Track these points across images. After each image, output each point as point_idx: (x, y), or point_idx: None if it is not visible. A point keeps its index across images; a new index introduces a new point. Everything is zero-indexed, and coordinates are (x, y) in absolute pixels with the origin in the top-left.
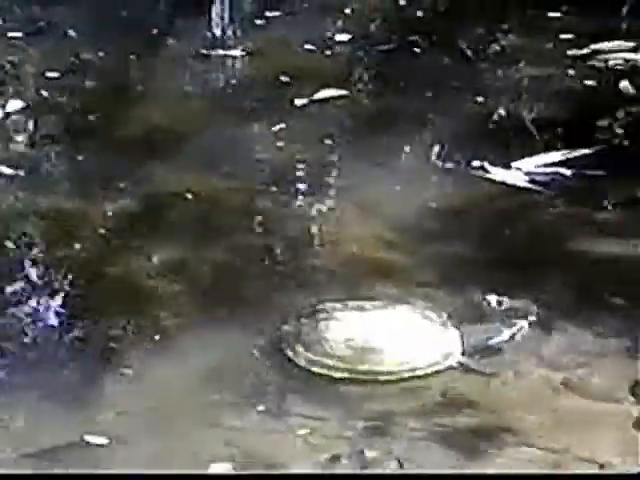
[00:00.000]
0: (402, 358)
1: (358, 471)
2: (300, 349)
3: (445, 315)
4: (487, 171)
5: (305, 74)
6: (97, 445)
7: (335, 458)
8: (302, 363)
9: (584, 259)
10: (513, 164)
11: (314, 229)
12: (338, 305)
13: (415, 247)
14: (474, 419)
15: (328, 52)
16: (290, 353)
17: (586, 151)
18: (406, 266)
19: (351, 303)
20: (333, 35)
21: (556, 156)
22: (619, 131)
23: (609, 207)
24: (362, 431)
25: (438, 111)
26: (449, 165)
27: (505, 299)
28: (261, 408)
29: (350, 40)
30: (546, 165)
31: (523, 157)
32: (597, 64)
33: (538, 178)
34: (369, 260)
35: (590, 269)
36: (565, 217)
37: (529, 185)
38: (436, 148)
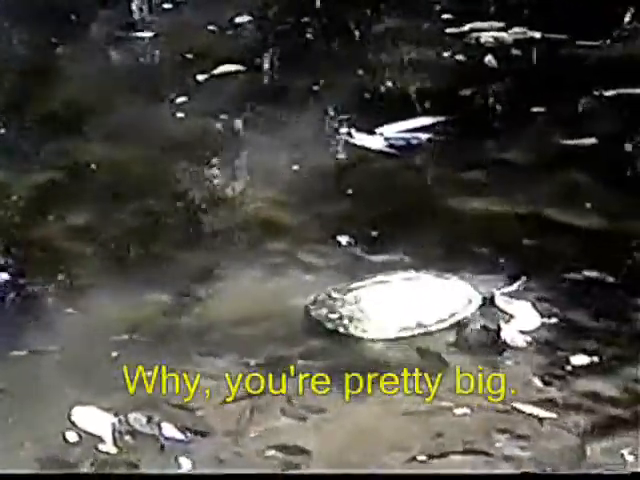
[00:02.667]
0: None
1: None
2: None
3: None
4: (352, 136)
5: (207, 52)
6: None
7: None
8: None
9: (453, 215)
10: (377, 130)
11: (214, 194)
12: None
13: (303, 207)
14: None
15: (229, 32)
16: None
17: (442, 118)
18: (295, 224)
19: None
20: (234, 17)
21: (415, 122)
22: (479, 100)
23: (473, 168)
24: (256, 372)
25: (323, 85)
26: (327, 132)
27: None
28: (167, 351)
29: (249, 21)
30: (405, 131)
31: (387, 123)
32: (470, 41)
33: (396, 143)
34: (264, 220)
35: (458, 224)
36: (434, 177)
37: (387, 149)
38: (319, 118)
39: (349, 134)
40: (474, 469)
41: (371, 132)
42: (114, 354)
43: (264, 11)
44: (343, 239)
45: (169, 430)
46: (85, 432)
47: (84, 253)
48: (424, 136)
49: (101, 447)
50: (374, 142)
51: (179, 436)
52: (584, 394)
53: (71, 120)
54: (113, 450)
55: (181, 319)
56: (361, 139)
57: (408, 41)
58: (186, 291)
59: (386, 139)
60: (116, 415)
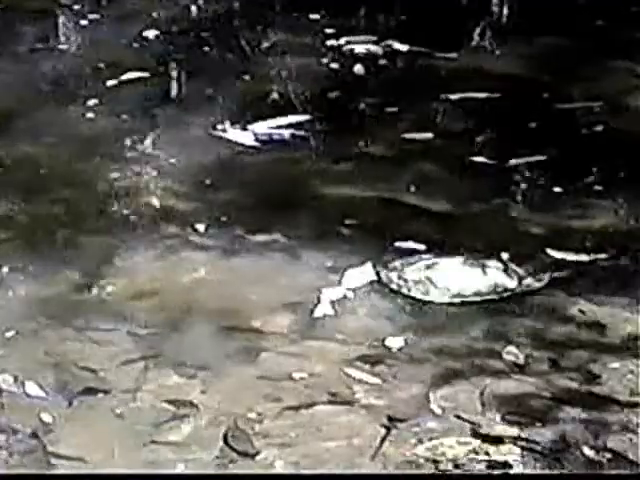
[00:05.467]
0: None
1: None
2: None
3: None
4: (226, 132)
5: (117, 62)
6: None
7: (129, 361)
8: None
9: (323, 201)
10: (249, 126)
11: (117, 185)
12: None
13: (192, 196)
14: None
15: (137, 45)
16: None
17: (305, 117)
18: (186, 211)
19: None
20: (142, 31)
21: (283, 120)
22: (344, 102)
23: (339, 160)
24: (150, 338)
25: (215, 90)
26: (212, 130)
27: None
28: (75, 326)
29: (156, 36)
30: (272, 128)
31: (259, 121)
32: (345, 52)
33: (262, 138)
34: (158, 207)
35: (328, 208)
36: (306, 168)
37: (254, 143)
38: (207, 118)
39: (223, 130)
40: (337, 417)
41: (244, 129)
42: (22, 323)
43: (169, 27)
44: (227, 222)
45: (32, 388)
46: None
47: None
48: (287, 132)
49: None
50: (244, 137)
51: (41, 394)
52: (430, 350)
53: None
54: None
55: (87, 294)
56: (234, 135)
57: (292, 52)
58: (91, 270)
59: (254, 135)
60: None
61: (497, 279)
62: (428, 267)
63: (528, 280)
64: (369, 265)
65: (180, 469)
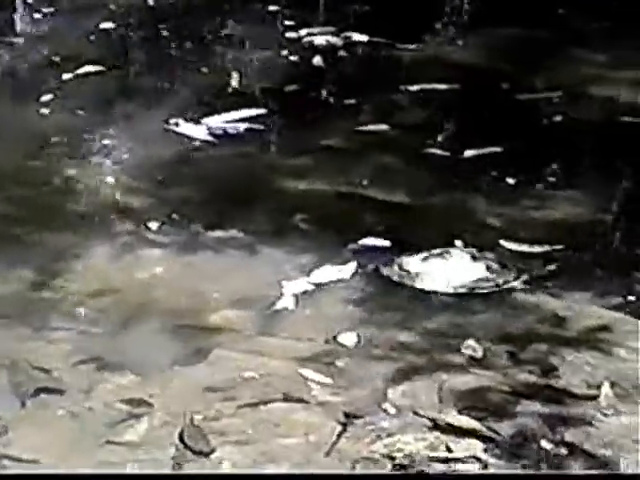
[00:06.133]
0: None
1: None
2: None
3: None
4: (178, 126)
5: (73, 55)
6: None
7: (83, 361)
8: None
9: (281, 195)
10: (203, 120)
11: (72, 180)
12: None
13: (147, 192)
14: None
15: (92, 37)
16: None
17: (262, 111)
18: (142, 207)
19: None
20: (98, 24)
21: (238, 114)
22: (302, 95)
23: (297, 154)
24: (105, 337)
25: (172, 83)
26: (166, 124)
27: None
28: (30, 325)
29: (113, 29)
30: (227, 122)
31: (213, 115)
32: (306, 44)
33: (216, 132)
34: (114, 204)
35: (285, 202)
36: (263, 163)
37: (208, 138)
38: (162, 112)
39: (176, 124)
40: (294, 414)
41: (197, 123)
42: None
43: (125, 19)
44: (184, 218)
45: None
46: None
47: None
48: (242, 126)
49: None
50: (198, 132)
51: None
52: (388, 345)
53: None
54: None
55: (41, 293)
56: (187, 129)
57: (251, 45)
58: (46, 268)
59: (208, 129)
60: None
61: (461, 272)
62: (399, 263)
63: (492, 274)
64: (352, 264)
65: (136, 469)
